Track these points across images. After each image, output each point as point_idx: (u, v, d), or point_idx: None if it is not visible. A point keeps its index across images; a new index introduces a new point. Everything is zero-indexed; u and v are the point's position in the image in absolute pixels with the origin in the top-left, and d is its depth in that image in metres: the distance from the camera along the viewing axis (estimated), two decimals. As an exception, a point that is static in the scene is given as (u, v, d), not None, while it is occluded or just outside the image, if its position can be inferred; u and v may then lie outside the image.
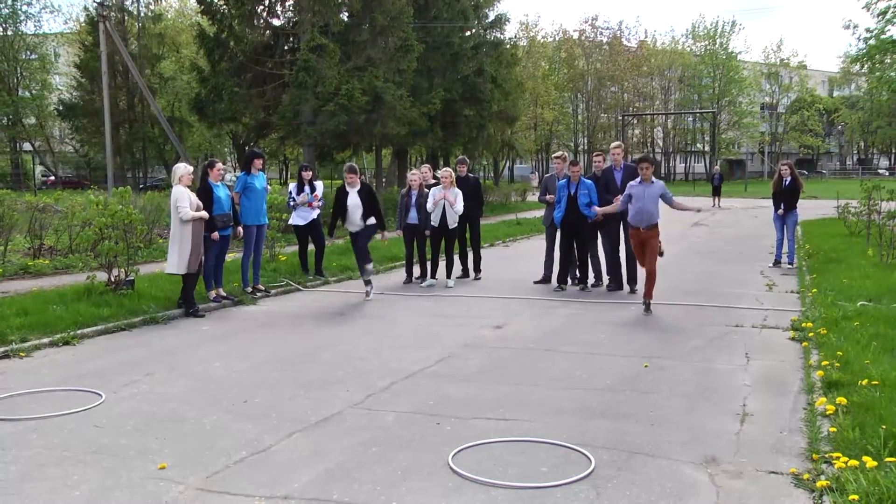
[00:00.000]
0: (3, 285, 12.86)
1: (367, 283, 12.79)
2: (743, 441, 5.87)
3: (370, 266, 12.86)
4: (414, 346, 9.06)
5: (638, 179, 11.07)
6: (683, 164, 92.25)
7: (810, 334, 9.02)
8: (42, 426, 6.34)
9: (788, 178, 15.75)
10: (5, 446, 5.89)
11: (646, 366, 8.09)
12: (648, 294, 11.06)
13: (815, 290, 11.88)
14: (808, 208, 26.07)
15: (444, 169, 14.03)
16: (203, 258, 11.32)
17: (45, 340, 9.20)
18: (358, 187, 12.75)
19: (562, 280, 13.30)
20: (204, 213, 11.07)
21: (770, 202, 16.70)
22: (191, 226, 11.00)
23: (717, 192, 40.39)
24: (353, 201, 12.63)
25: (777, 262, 16.03)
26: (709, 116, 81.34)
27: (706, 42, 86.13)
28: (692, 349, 8.88)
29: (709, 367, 8.10)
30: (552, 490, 5.00)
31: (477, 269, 14.80)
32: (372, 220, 12.83)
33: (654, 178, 10.96)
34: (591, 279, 13.29)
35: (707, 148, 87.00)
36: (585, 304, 11.99)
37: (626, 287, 12.86)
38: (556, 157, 14.41)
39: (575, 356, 8.57)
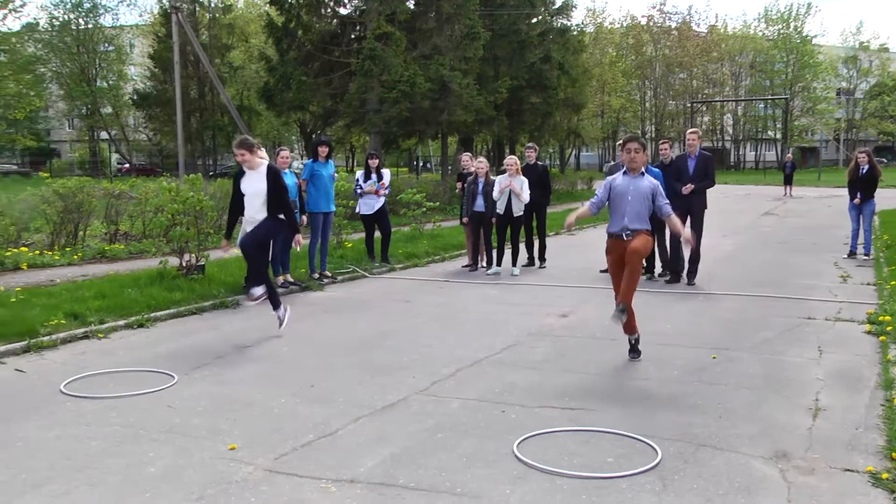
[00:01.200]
0: (81, 269, 13.19)
1: (277, 305, 9.27)
2: (815, 437, 5.70)
3: (258, 290, 9.00)
4: (479, 334, 9.04)
5: (622, 169, 8.20)
6: (754, 153, 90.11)
7: (888, 328, 8.70)
8: (120, 405, 6.50)
9: (866, 167, 15.23)
10: (87, 423, 6.06)
11: (714, 357, 7.94)
12: (625, 297, 7.63)
13: (893, 282, 11.51)
14: (887, 197, 25.32)
15: (510, 157, 13.97)
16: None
17: (121, 323, 9.42)
18: (262, 168, 9.09)
19: None
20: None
21: (845, 191, 16.15)
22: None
23: (788, 181, 39.21)
24: (253, 188, 9.07)
25: (852, 253, 15.55)
26: (781, 103, 79.06)
27: (780, 26, 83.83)
28: (762, 341, 8.66)
29: (779, 359, 7.90)
30: (618, 481, 4.95)
31: (542, 258, 14.71)
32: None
33: (645, 169, 8.18)
34: (657, 269, 13.11)
35: (779, 135, 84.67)
36: (652, 293, 11.82)
37: (685, 278, 12.57)
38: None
39: (641, 346, 8.45)
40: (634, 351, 7.94)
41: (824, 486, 4.87)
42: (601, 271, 13.61)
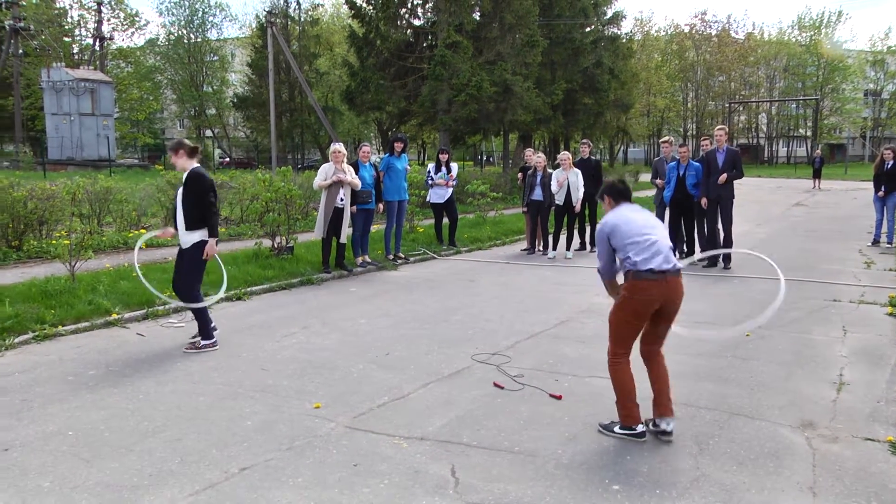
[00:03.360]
0: (187, 249, 13.44)
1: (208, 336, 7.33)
2: (839, 408, 5.57)
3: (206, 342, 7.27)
4: (536, 310, 8.98)
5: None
6: (786, 149, 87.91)
7: (909, 311, 8.40)
8: (221, 366, 6.63)
9: (891, 162, 14.75)
10: (195, 381, 6.21)
11: (748, 335, 7.75)
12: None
13: (914, 268, 11.10)
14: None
15: (563, 153, 13.85)
16: (350, 227, 11.53)
17: (222, 296, 9.57)
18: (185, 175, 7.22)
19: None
20: (325, 182, 11.15)
21: (871, 184, 15.68)
22: (323, 197, 11.21)
23: (817, 175, 38.31)
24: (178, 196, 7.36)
25: (876, 242, 15.08)
26: (812, 103, 77.04)
27: (811, 32, 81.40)
28: (791, 321, 8.45)
29: (807, 337, 7.71)
30: (658, 442, 4.90)
31: (593, 243, 14.56)
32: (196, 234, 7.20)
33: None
34: (697, 254, 12.87)
35: (809, 133, 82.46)
36: (691, 275, 11.59)
37: (721, 263, 12.29)
38: (664, 142, 14.03)
39: (681, 324, 8.28)
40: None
41: (847, 453, 4.77)
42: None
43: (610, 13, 43.25)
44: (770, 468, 4.56)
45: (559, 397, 5.77)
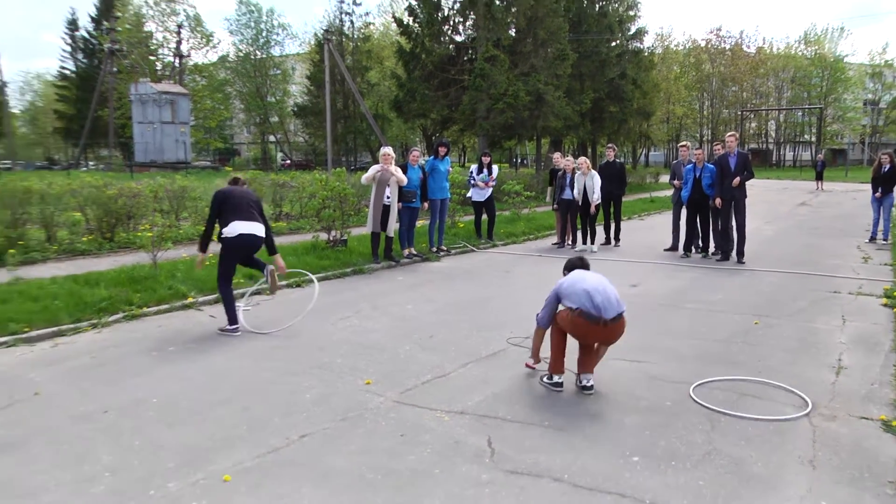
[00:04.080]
0: (254, 241, 13.60)
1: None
2: (838, 390, 5.49)
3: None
4: (564, 298, 8.93)
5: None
6: (792, 153, 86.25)
7: (902, 302, 8.24)
8: (283, 345, 6.71)
9: (888, 166, 14.55)
10: (259, 358, 6.29)
11: (756, 323, 7.65)
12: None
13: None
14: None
15: (581, 158, 13.76)
16: (397, 223, 11.59)
17: (284, 283, 9.65)
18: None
19: (686, 248, 12.83)
20: (369, 176, 11.21)
21: (868, 186, 15.36)
22: (372, 194, 11.26)
23: (820, 177, 37.68)
24: None
25: (873, 239, 14.77)
26: (816, 112, 75.54)
27: (816, 47, 79.64)
28: (796, 310, 8.30)
29: (809, 326, 7.56)
30: (672, 420, 4.86)
31: (617, 238, 14.46)
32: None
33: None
34: (711, 248, 12.71)
35: (813, 139, 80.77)
36: (706, 269, 11.45)
37: (734, 257, 12.05)
38: (682, 146, 13.85)
39: (696, 312, 8.21)
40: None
41: (843, 430, 4.72)
42: (664, 250, 13.32)
43: (633, 29, 42.75)
44: (775, 443, 4.51)
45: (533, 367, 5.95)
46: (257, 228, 7.36)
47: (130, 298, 8.05)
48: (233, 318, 7.23)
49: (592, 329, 5.25)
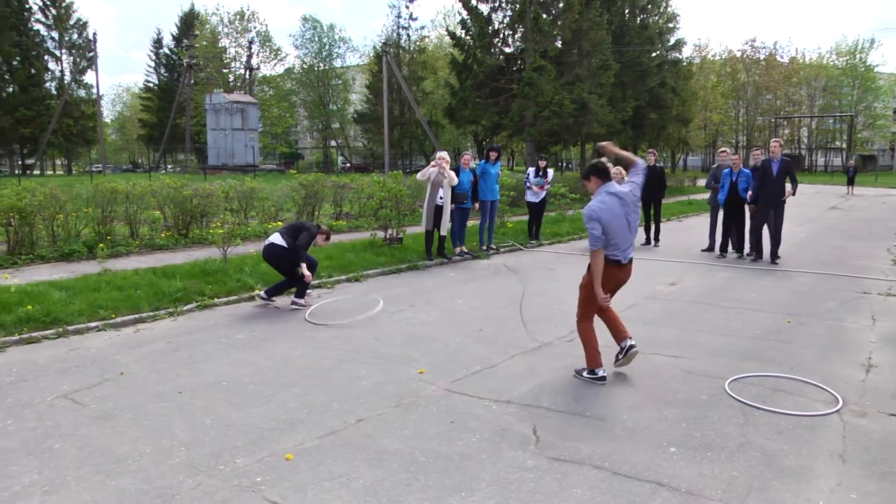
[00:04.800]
0: (316, 238, 13.78)
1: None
2: (868, 388, 5.31)
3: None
4: (606, 295, 8.83)
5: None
6: (823, 158, 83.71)
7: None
8: (341, 334, 6.79)
9: None
10: (320, 346, 6.38)
11: (788, 321, 7.45)
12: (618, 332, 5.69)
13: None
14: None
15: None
16: (450, 222, 11.62)
17: (343, 277, 9.80)
18: None
19: (722, 249, 12.57)
20: (425, 172, 11.28)
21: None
22: (427, 195, 11.29)
23: (851, 182, 36.66)
24: None
25: None
26: (847, 119, 72.96)
27: (847, 57, 76.98)
28: (826, 310, 8.05)
29: (840, 325, 7.33)
30: (708, 412, 4.76)
31: (657, 238, 14.23)
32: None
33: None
34: (746, 249, 12.41)
35: (844, 145, 78.13)
36: (740, 269, 11.18)
37: (767, 258, 11.72)
38: (722, 152, 13.53)
39: (731, 310, 8.03)
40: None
41: (874, 427, 4.57)
42: (702, 250, 13.04)
43: (673, 40, 42.13)
44: (806, 437, 4.39)
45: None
46: (275, 238, 8.17)
47: (203, 290, 8.24)
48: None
49: (622, 274, 5.50)
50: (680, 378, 5.53)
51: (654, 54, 39.53)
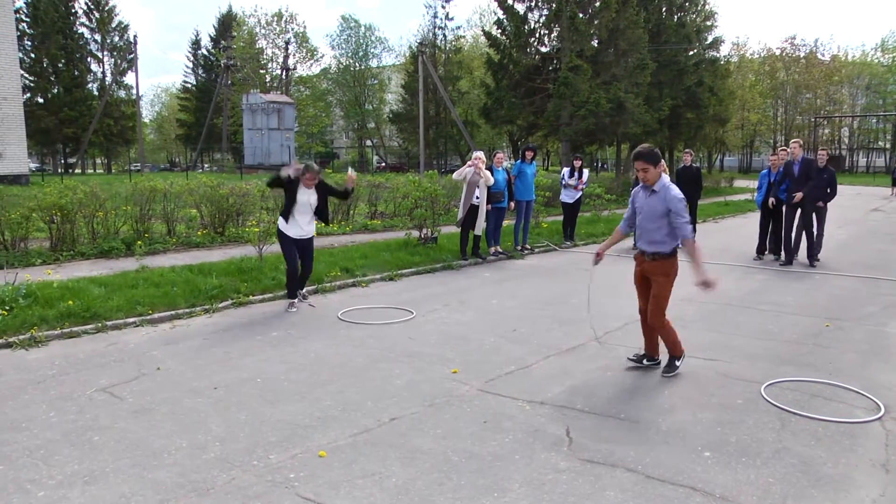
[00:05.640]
0: (351, 237, 13.90)
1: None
2: (913, 395, 5.14)
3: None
4: (642, 297, 8.74)
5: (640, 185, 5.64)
6: (865, 159, 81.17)
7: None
8: (376, 334, 6.83)
9: None
10: (355, 345, 6.43)
11: (827, 325, 7.29)
12: (672, 351, 5.59)
13: None
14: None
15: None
16: (486, 223, 11.62)
17: (378, 276, 9.86)
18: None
19: (759, 251, 12.35)
20: (461, 172, 11.27)
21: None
22: (463, 195, 11.29)
23: (895, 183, 35.52)
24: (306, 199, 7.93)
25: None
26: (891, 118, 70.85)
27: (894, 54, 74.69)
28: (867, 314, 7.86)
29: (881, 330, 7.15)
30: (744, 417, 4.68)
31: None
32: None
33: (664, 184, 5.33)
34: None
35: (888, 145, 75.82)
36: (778, 271, 10.97)
37: (803, 261, 11.51)
38: (773, 157, 13.24)
39: (768, 313, 7.88)
40: (670, 367, 5.61)
41: (920, 436, 4.43)
42: (756, 257, 12.78)
43: (710, 39, 41.51)
44: (846, 445, 4.28)
45: None
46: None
47: (238, 287, 8.37)
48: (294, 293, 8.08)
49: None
50: (715, 381, 5.45)
51: (691, 53, 39.00)
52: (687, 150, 14.74)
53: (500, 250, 12.23)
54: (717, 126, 44.29)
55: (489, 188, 11.45)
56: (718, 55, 42.71)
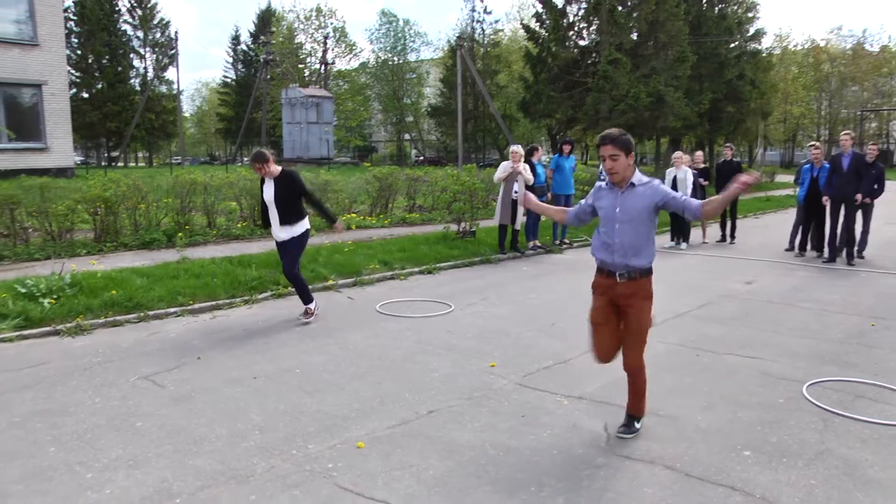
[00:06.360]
0: (389, 230, 13.97)
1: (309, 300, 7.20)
2: (970, 399, 4.95)
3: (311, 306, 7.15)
4: (681, 293, 8.61)
5: (605, 181, 4.49)
6: (915, 154, 78.88)
7: None
8: (414, 326, 6.86)
9: None
10: (392, 337, 6.47)
11: (872, 325, 7.08)
12: (635, 408, 4.39)
13: None
14: None
15: (676, 153, 13.26)
16: (525, 217, 11.56)
17: (416, 269, 9.90)
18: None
19: (801, 248, 12.08)
20: (503, 175, 11.12)
21: None
22: (501, 189, 11.24)
23: None
24: (269, 195, 6.91)
25: None
26: (943, 111, 68.45)
27: None
28: (918, 313, 7.61)
29: (936, 330, 6.91)
30: (785, 417, 4.58)
31: (733, 236, 13.81)
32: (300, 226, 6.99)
33: (645, 179, 4.32)
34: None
35: (941, 138, 73.38)
36: (821, 269, 10.70)
37: (844, 258, 11.19)
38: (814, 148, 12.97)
39: (810, 311, 7.70)
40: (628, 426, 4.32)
41: (980, 441, 4.26)
42: (786, 250, 12.50)
43: (752, 30, 40.53)
44: (893, 448, 4.15)
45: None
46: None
47: (277, 279, 8.46)
48: (309, 297, 7.16)
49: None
50: (756, 380, 5.35)
51: (732, 45, 38.21)
52: (727, 145, 14.50)
53: (539, 244, 12.17)
54: (759, 119, 43.33)
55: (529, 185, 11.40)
56: (760, 47, 41.75)
